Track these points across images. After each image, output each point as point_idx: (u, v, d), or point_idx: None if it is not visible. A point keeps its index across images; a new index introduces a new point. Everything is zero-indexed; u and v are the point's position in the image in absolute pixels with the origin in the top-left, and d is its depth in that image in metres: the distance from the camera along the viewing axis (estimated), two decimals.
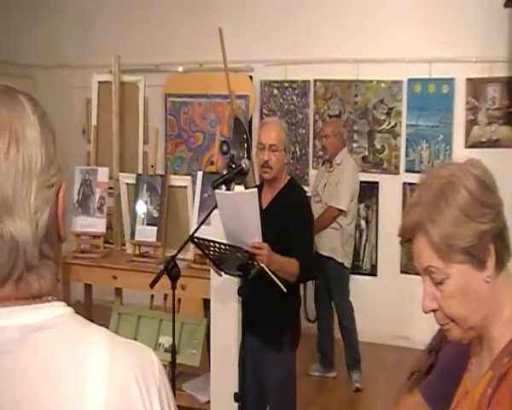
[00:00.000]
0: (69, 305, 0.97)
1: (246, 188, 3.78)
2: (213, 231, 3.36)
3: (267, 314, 3.39)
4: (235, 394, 3.12)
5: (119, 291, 4.76)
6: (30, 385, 0.88)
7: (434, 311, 1.29)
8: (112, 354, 0.91)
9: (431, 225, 1.25)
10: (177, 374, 3.50)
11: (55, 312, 0.94)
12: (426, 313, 1.30)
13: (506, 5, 5.54)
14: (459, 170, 1.28)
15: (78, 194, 4.50)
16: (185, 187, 4.23)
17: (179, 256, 3.27)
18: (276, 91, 6.82)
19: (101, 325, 0.97)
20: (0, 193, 0.88)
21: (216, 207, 3.23)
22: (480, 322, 1.28)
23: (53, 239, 0.96)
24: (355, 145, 6.55)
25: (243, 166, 3.38)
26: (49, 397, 0.88)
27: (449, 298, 1.26)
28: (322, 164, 5.87)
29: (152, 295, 4.55)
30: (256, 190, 3.20)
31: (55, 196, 0.95)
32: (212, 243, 3.12)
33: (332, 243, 5.40)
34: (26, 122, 0.92)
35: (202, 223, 3.23)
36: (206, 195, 4.04)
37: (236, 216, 3.13)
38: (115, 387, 0.90)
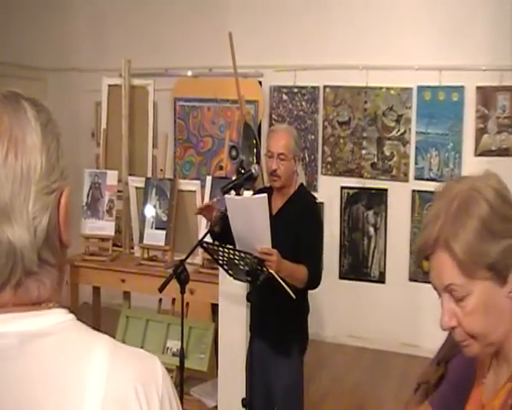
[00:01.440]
0: (76, 308, 0.96)
1: (255, 193, 3.78)
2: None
3: (276, 320, 3.38)
4: (243, 399, 3.12)
5: (127, 294, 4.76)
6: (30, 393, 0.87)
7: (453, 328, 1.25)
8: (111, 363, 0.90)
9: (454, 240, 1.20)
10: (184, 378, 3.49)
11: (56, 319, 0.93)
12: (444, 330, 1.26)
13: None
14: (478, 183, 1.24)
15: (87, 197, 4.51)
16: (194, 191, 4.24)
17: (188, 260, 3.27)
18: (285, 97, 6.81)
19: (109, 327, 0.96)
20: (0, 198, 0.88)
21: (225, 212, 3.23)
22: (500, 337, 1.25)
23: (54, 245, 0.95)
24: (364, 152, 6.53)
25: (253, 171, 3.38)
26: (49, 406, 0.87)
27: (470, 315, 1.22)
28: None
29: (160, 299, 4.55)
30: (266, 195, 3.19)
31: (56, 202, 0.94)
32: (221, 248, 3.12)
33: None
34: (27, 128, 0.92)
35: (212, 228, 3.23)
36: (214, 199, 4.04)
37: (246, 221, 3.13)
38: (112, 398, 0.88)
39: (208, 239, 3.30)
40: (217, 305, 3.71)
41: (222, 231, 3.37)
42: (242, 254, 3.08)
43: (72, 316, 0.95)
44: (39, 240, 0.91)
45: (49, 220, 0.93)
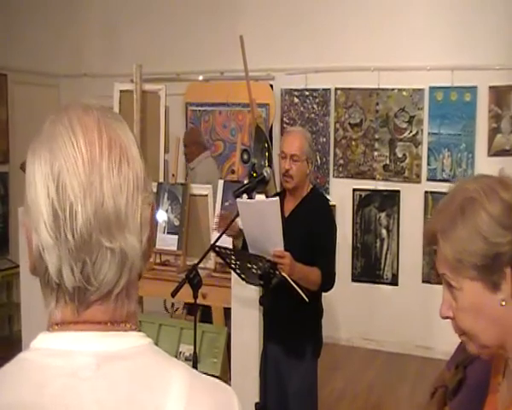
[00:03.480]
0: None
1: (267, 197, 3.78)
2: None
3: (289, 323, 3.37)
4: (257, 403, 3.11)
5: (139, 299, 4.77)
6: None
7: (449, 318, 1.29)
8: (189, 394, 0.89)
9: (443, 237, 1.25)
10: None
11: (134, 342, 0.92)
12: (442, 318, 1.30)
13: None
14: (487, 188, 1.24)
15: None
16: (206, 195, 4.23)
17: (200, 265, 3.26)
18: (296, 100, 6.81)
19: None
20: (114, 207, 0.88)
21: (238, 215, 3.23)
22: (495, 343, 1.26)
23: (147, 258, 0.96)
24: (376, 154, 6.51)
25: (265, 174, 3.38)
26: None
27: (461, 312, 1.25)
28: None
29: (172, 304, 4.56)
30: (278, 198, 3.19)
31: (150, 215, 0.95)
32: (233, 252, 3.11)
33: None
34: (131, 138, 0.93)
35: (224, 232, 3.23)
36: (226, 203, 4.03)
37: (258, 225, 3.12)
38: None
39: (221, 243, 3.30)
40: (229, 309, 3.70)
41: (243, 244, 3.40)
42: (255, 258, 3.07)
43: (149, 340, 0.94)
44: (143, 250, 0.93)
45: (149, 231, 0.94)
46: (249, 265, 3.11)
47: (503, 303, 1.22)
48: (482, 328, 1.24)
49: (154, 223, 0.97)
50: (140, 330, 0.95)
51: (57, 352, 0.88)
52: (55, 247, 0.86)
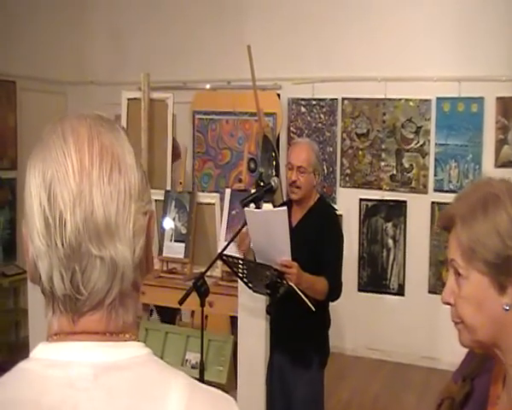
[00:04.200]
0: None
1: (274, 206, 3.78)
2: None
3: (296, 333, 3.38)
4: None
5: (146, 307, 4.77)
6: None
7: (450, 304, 1.30)
8: (188, 405, 0.89)
9: (462, 222, 1.26)
10: None
11: (132, 352, 0.92)
12: (444, 303, 1.32)
13: None
14: (510, 190, 1.27)
15: None
16: (213, 204, 4.25)
17: (207, 273, 3.27)
18: (303, 109, 6.82)
19: None
20: (104, 216, 0.88)
21: (245, 224, 3.24)
22: (489, 340, 1.27)
23: (143, 268, 0.96)
24: (383, 164, 6.52)
25: (272, 184, 3.39)
26: None
27: (463, 300, 1.27)
28: None
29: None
30: (286, 208, 3.19)
31: (146, 225, 0.95)
32: (240, 261, 3.12)
33: None
34: (125, 147, 0.93)
35: (232, 240, 3.24)
36: (233, 212, 4.04)
37: (266, 234, 3.13)
38: None
39: (228, 252, 3.30)
40: (235, 317, 3.70)
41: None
42: (262, 267, 3.08)
43: (148, 350, 0.94)
44: (136, 260, 0.92)
45: (144, 241, 0.93)
46: (256, 274, 3.11)
47: (507, 308, 1.23)
48: (480, 322, 1.26)
49: (151, 233, 0.96)
50: (139, 341, 0.94)
51: (55, 362, 0.88)
52: (47, 254, 0.87)
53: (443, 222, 1.34)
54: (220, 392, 0.96)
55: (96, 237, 0.87)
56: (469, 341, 1.29)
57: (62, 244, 0.86)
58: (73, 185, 0.87)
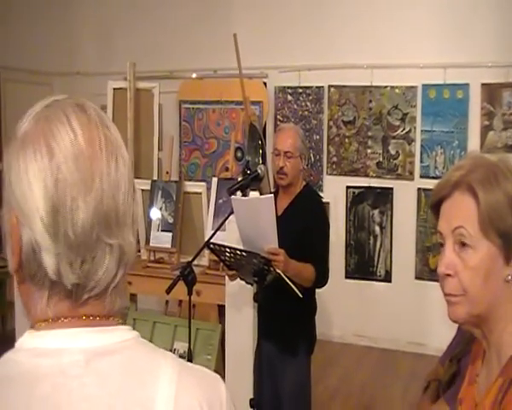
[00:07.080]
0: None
1: (261, 194, 3.79)
2: (228, 237, 3.37)
3: (283, 320, 3.39)
4: (251, 399, 3.12)
5: (133, 297, 4.77)
6: None
7: (448, 276, 1.27)
8: (178, 384, 0.90)
9: (482, 188, 1.23)
10: None
11: (121, 336, 0.92)
12: (441, 276, 1.28)
13: None
14: (508, 163, 1.28)
15: None
16: (200, 193, 4.24)
17: (194, 262, 3.27)
18: (290, 97, 6.82)
19: None
20: (113, 204, 0.89)
21: (232, 213, 3.24)
22: (485, 314, 1.27)
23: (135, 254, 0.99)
24: (369, 151, 6.53)
25: (259, 172, 3.38)
26: None
27: (470, 270, 1.25)
28: None
29: (167, 301, 4.56)
30: (272, 195, 3.20)
31: None
32: (227, 249, 3.12)
33: None
34: (120, 138, 0.94)
35: (218, 229, 3.23)
36: (220, 201, 4.04)
37: (252, 222, 3.13)
38: None
39: (215, 240, 3.30)
40: (223, 306, 3.71)
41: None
42: (249, 255, 3.08)
43: (136, 333, 0.95)
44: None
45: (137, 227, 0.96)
46: (243, 261, 3.12)
47: (509, 278, 1.24)
48: (485, 296, 1.25)
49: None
50: (126, 324, 0.95)
51: (45, 351, 0.87)
52: (53, 243, 0.85)
53: (442, 190, 1.29)
54: (208, 370, 0.98)
55: (107, 225, 0.88)
56: (466, 314, 1.27)
57: (74, 232, 0.85)
58: (85, 172, 0.86)
